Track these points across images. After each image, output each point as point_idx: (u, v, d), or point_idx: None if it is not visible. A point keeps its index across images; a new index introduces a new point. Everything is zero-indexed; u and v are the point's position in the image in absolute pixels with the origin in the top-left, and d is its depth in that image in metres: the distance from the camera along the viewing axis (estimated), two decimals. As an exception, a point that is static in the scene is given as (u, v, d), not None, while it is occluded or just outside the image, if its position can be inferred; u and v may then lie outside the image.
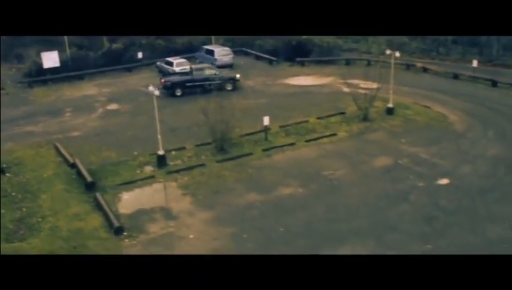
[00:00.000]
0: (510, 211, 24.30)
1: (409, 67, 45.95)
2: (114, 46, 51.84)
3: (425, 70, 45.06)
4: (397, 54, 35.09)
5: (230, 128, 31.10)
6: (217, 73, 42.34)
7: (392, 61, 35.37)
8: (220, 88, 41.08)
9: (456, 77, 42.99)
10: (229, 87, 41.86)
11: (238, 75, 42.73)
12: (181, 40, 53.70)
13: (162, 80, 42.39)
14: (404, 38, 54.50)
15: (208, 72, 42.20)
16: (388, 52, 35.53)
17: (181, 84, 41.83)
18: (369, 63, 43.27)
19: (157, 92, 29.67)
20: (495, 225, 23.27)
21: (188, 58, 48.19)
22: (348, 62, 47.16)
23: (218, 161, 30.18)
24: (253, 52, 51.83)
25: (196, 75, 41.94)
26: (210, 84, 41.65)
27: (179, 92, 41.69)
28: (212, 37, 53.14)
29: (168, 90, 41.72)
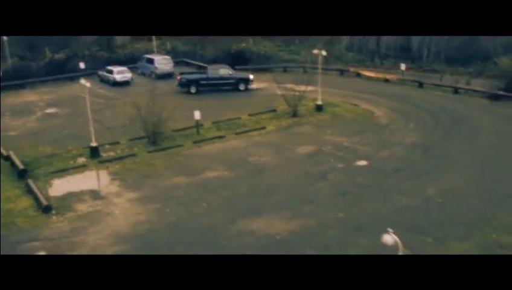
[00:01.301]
0: (418, 185, 25.98)
1: (343, 73, 48.07)
2: (56, 56, 52.48)
3: (358, 75, 47.22)
4: (324, 53, 36.92)
5: (162, 123, 32.30)
6: (231, 73, 43.83)
7: (320, 60, 37.27)
8: (233, 88, 42.79)
9: (386, 80, 45.21)
10: (241, 87, 43.27)
11: (251, 76, 44.07)
12: (123, 51, 54.78)
13: (178, 77, 44.33)
14: (342, 50, 57.00)
15: (222, 72, 43.77)
16: (315, 51, 37.38)
17: (195, 82, 43.34)
18: (305, 70, 45.08)
19: (88, 84, 30.70)
20: (404, 196, 24.85)
21: (129, 68, 49.20)
22: (285, 69, 49.01)
23: (149, 152, 31.25)
24: (194, 62, 53.16)
25: (211, 74, 43.42)
26: (223, 84, 43.08)
27: (193, 90, 43.18)
28: (154, 47, 54.39)
29: (183, 87, 43.49)
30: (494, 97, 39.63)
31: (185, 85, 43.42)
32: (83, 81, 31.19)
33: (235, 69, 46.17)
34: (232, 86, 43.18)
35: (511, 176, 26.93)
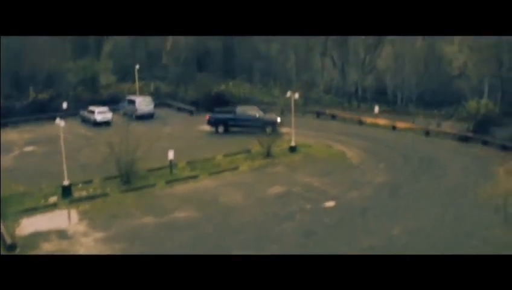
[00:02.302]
0: (384, 225, 26.50)
1: (319, 115, 48.98)
2: (40, 96, 53.21)
3: (333, 117, 48.15)
4: (296, 96, 37.90)
5: (135, 163, 32.79)
6: (259, 115, 43.59)
7: (293, 101, 38.24)
8: (260, 130, 41.37)
9: (361, 122, 46.13)
10: (268, 130, 41.42)
11: (279, 119, 43.49)
12: (107, 92, 55.67)
13: (207, 116, 44.81)
14: (320, 93, 58.14)
15: (250, 113, 43.70)
16: (288, 94, 38.40)
17: (223, 122, 43.41)
18: (282, 112, 45.93)
19: (62, 123, 31.37)
20: (369, 236, 25.33)
21: (111, 108, 49.98)
22: (263, 111, 49.88)
23: (121, 191, 31.67)
24: (175, 104, 54.06)
25: (238, 114, 43.41)
26: (250, 125, 42.64)
27: (220, 129, 43.27)
28: (137, 87, 55.33)
29: (212, 126, 43.81)
30: (463, 139, 40.55)
31: (213, 124, 43.80)
32: (57, 120, 31.85)
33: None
34: (259, 128, 41.55)
35: (473, 215, 27.58)
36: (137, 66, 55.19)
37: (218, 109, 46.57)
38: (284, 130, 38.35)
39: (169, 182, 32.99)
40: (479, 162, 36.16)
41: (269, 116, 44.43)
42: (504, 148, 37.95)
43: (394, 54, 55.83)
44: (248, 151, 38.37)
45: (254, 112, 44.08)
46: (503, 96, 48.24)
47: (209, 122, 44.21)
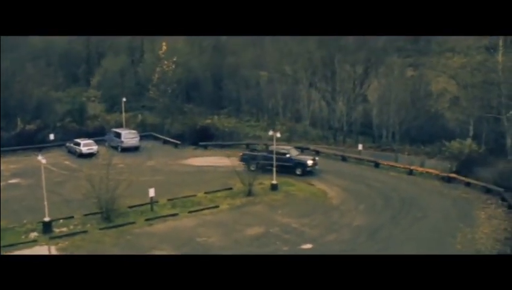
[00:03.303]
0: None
1: (303, 150, 49.18)
2: (27, 127, 53.28)
3: (317, 153, 48.35)
4: (278, 135, 38.29)
5: (116, 200, 32.81)
6: (290, 155, 42.58)
7: (274, 140, 38.55)
8: (291, 171, 41.54)
9: (344, 159, 46.35)
10: (298, 171, 41.70)
11: (309, 162, 42.38)
12: (93, 123, 55.86)
13: (241, 153, 44.47)
14: (307, 127, 58.53)
15: (282, 152, 42.21)
16: (270, 133, 38.71)
17: (255, 160, 42.37)
18: (267, 148, 46.07)
19: (44, 161, 31.48)
20: (343, 282, 25.27)
21: (97, 141, 50.15)
22: (248, 146, 50.07)
23: (101, 229, 31.64)
24: (161, 136, 54.26)
25: (270, 153, 41.64)
26: (281, 165, 41.01)
27: (253, 167, 41.82)
28: (124, 121, 55.55)
29: (244, 163, 43.04)
30: (446, 179, 40.72)
31: (245, 161, 43.08)
32: (39, 157, 31.97)
33: (198, 146, 47.10)
34: (290, 169, 41.68)
35: (450, 262, 27.57)
36: (124, 99, 55.46)
37: (252, 146, 46.78)
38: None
39: (148, 220, 33.00)
40: (461, 205, 36.24)
41: (302, 157, 43.64)
42: (487, 191, 38.07)
43: (381, 88, 56.40)
44: (230, 188, 38.42)
45: (287, 151, 43.04)
46: (487, 137, 48.60)
47: (242, 160, 43.38)
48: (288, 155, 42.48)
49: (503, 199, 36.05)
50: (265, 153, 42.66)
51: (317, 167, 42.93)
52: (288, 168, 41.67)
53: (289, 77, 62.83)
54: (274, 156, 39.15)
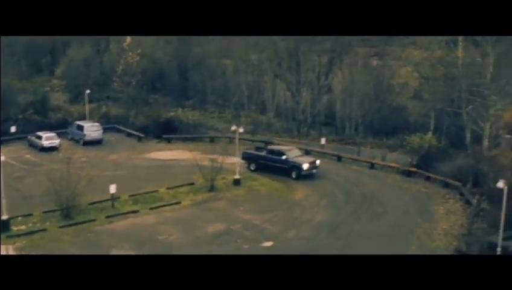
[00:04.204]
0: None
1: (267, 144, 49.22)
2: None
3: (281, 148, 48.47)
4: (241, 130, 38.27)
5: (77, 197, 32.40)
6: (287, 157, 40.19)
7: (237, 135, 38.52)
8: (286, 173, 39.77)
9: (307, 153, 46.52)
10: (293, 174, 39.62)
11: (306, 166, 39.71)
12: (56, 115, 54.91)
13: (243, 151, 42.47)
14: (271, 120, 58.61)
15: (279, 153, 40.75)
16: (233, 128, 38.62)
17: (254, 159, 41.30)
18: (230, 141, 45.95)
19: (3, 157, 30.80)
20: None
21: (60, 133, 49.34)
22: (212, 139, 49.88)
23: (61, 227, 31.24)
24: (125, 129, 53.62)
25: (268, 153, 40.96)
26: (277, 167, 40.09)
27: (252, 167, 41.06)
28: (87, 113, 54.75)
29: (245, 161, 41.70)
30: (406, 174, 41.32)
31: (246, 160, 41.91)
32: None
33: (162, 139, 45.88)
34: (285, 171, 39.85)
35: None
36: (88, 91, 54.59)
37: (258, 145, 45.19)
38: (228, 160, 38.15)
39: (109, 217, 32.70)
40: (420, 199, 36.86)
41: (299, 159, 40.62)
42: (446, 185, 38.73)
43: (345, 80, 56.76)
44: (192, 183, 38.26)
45: (285, 152, 40.85)
46: (448, 130, 49.37)
47: (243, 158, 41.93)
48: (284, 156, 40.47)
49: (461, 194, 36.75)
50: (264, 153, 41.61)
51: (315, 171, 40.57)
52: (284, 170, 39.95)
53: (255, 67, 62.71)
54: (260, 154, 39.44)
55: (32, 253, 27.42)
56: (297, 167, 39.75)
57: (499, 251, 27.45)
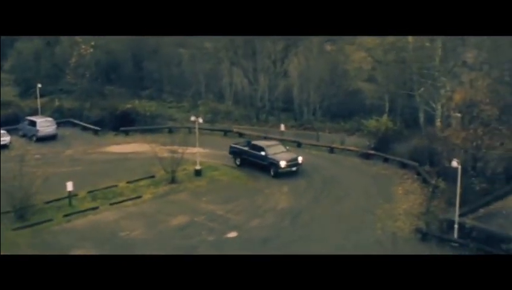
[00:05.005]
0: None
1: (226, 133, 49.05)
2: None
3: (240, 135, 48.28)
4: (200, 120, 37.94)
5: (31, 197, 31.50)
6: (266, 153, 38.44)
7: (196, 125, 38.21)
8: (266, 169, 38.35)
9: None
10: (272, 172, 37.92)
11: (283, 163, 37.68)
12: (6, 112, 53.19)
13: (230, 145, 41.43)
14: (230, 108, 58.34)
15: (259, 149, 39.15)
16: (193, 118, 38.24)
17: (239, 154, 40.27)
18: (190, 131, 45.49)
19: None
20: (268, 270, 25.55)
21: (10, 130, 47.83)
22: (170, 130, 49.23)
23: (14, 229, 30.30)
24: (80, 123, 52.41)
25: (250, 149, 39.65)
26: (257, 163, 38.87)
27: (238, 161, 40.12)
28: (39, 108, 53.30)
29: (233, 156, 40.73)
30: (365, 156, 41.85)
31: (233, 154, 40.90)
32: None
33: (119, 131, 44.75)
34: (265, 168, 38.47)
35: (371, 241, 28.50)
36: (39, 85, 53.06)
37: (245, 140, 43.71)
38: (188, 150, 37.79)
39: (67, 216, 31.94)
40: (380, 181, 37.34)
41: (278, 156, 38.41)
42: (403, 165, 39.38)
43: (301, 66, 56.84)
44: (152, 176, 37.73)
45: (265, 147, 39.20)
46: (402, 112, 50.19)
47: (230, 152, 41.12)
48: (263, 152, 38.85)
49: (418, 174, 37.43)
50: (247, 148, 40.46)
51: (295, 169, 38.43)
52: (263, 166, 38.63)
53: (211, 55, 62.14)
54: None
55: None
56: (275, 165, 38.03)
57: (456, 227, 28.29)
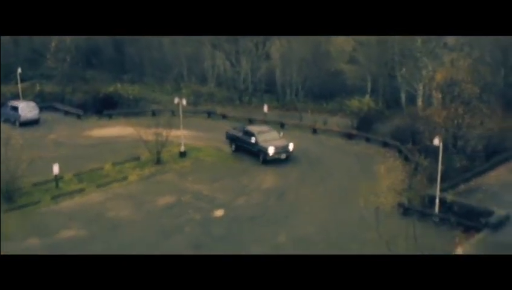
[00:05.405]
0: (270, 233, 27.44)
1: (210, 115, 49.25)
2: None
3: (224, 116, 48.60)
4: (184, 102, 38.10)
5: (17, 180, 31.57)
6: (256, 139, 37.56)
7: (180, 107, 38.36)
8: (255, 156, 37.77)
9: (251, 121, 46.77)
10: (261, 158, 37.25)
11: (271, 150, 36.81)
12: (-13, 97, 52.80)
13: (226, 131, 40.83)
14: (213, 89, 58.42)
15: (250, 134, 38.33)
16: (176, 101, 38.41)
17: (234, 140, 39.62)
18: (173, 113, 45.61)
19: None
20: (256, 246, 26.10)
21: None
22: (154, 113, 49.19)
23: (3, 211, 30.38)
24: (62, 107, 52.14)
25: (243, 134, 38.85)
26: (249, 149, 38.26)
27: (233, 147, 39.50)
28: (20, 92, 52.93)
29: (229, 141, 40.17)
30: (348, 136, 42.44)
31: (229, 139, 40.31)
32: None
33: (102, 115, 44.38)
34: (255, 154, 37.85)
35: (355, 216, 29.14)
36: (19, 70, 52.63)
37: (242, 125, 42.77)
38: (173, 133, 37.98)
39: (54, 198, 32.08)
40: (362, 160, 37.94)
41: (267, 143, 37.38)
42: (385, 144, 40.05)
43: (282, 47, 57.08)
44: (137, 158, 37.92)
45: (255, 133, 38.31)
46: (384, 92, 50.81)
47: (227, 137, 40.60)
48: (253, 139, 38.00)
49: (400, 152, 38.13)
50: (240, 134, 39.77)
51: (284, 156, 37.52)
52: (254, 153, 38.02)
53: (192, 38, 61.92)
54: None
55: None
56: (263, 152, 37.26)
57: (437, 202, 29.05)
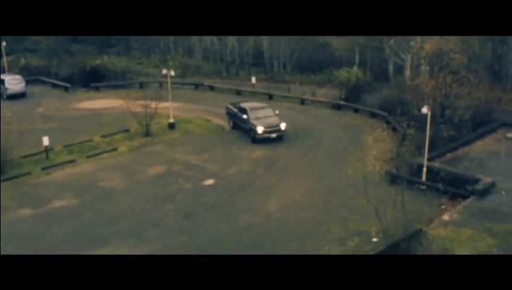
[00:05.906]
0: (260, 201, 27.74)
1: (197, 86, 49.27)
2: None
3: (212, 88, 48.65)
4: (172, 73, 38.04)
5: (7, 152, 31.53)
6: (248, 117, 36.38)
7: (169, 79, 38.33)
8: (248, 134, 36.75)
9: (238, 93, 46.98)
10: (251, 137, 36.17)
11: (260, 129, 35.50)
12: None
13: (226, 106, 39.70)
14: (200, 62, 58.34)
15: (243, 112, 37.11)
16: (164, 71, 38.34)
17: (231, 116, 38.65)
18: (161, 85, 45.57)
19: None
20: (246, 214, 26.45)
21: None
22: (141, 85, 49.15)
23: (-5, 183, 30.43)
24: (49, 80, 51.84)
25: (239, 111, 37.78)
26: (242, 127, 37.41)
27: (231, 123, 38.59)
28: (5, 66, 52.48)
29: (228, 117, 39.31)
30: (336, 107, 42.73)
31: (228, 115, 39.36)
32: None
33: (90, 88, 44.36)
34: (247, 132, 36.85)
35: (343, 185, 29.50)
36: (4, 43, 52.10)
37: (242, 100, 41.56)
38: (161, 104, 38.00)
39: (45, 169, 32.12)
40: (351, 130, 38.10)
41: (259, 121, 36.04)
42: (373, 115, 40.43)
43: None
44: (127, 130, 37.97)
45: (249, 110, 36.92)
46: (372, 64, 51.05)
47: (226, 113, 39.63)
48: (245, 115, 36.81)
49: (388, 122, 38.53)
50: (236, 110, 38.34)
51: (275, 135, 35.96)
52: (246, 130, 37.02)
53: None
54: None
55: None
56: (253, 130, 36.03)
57: (424, 170, 29.51)
